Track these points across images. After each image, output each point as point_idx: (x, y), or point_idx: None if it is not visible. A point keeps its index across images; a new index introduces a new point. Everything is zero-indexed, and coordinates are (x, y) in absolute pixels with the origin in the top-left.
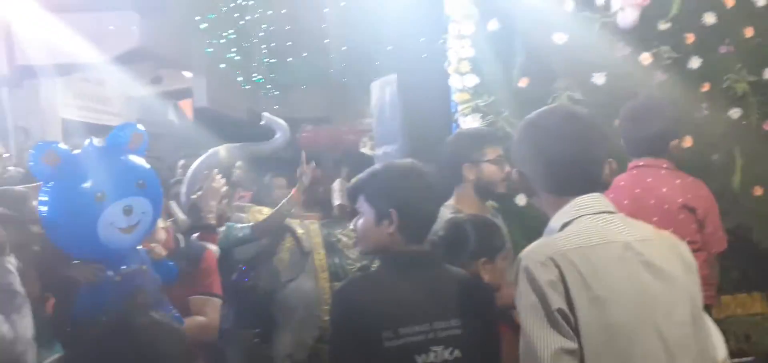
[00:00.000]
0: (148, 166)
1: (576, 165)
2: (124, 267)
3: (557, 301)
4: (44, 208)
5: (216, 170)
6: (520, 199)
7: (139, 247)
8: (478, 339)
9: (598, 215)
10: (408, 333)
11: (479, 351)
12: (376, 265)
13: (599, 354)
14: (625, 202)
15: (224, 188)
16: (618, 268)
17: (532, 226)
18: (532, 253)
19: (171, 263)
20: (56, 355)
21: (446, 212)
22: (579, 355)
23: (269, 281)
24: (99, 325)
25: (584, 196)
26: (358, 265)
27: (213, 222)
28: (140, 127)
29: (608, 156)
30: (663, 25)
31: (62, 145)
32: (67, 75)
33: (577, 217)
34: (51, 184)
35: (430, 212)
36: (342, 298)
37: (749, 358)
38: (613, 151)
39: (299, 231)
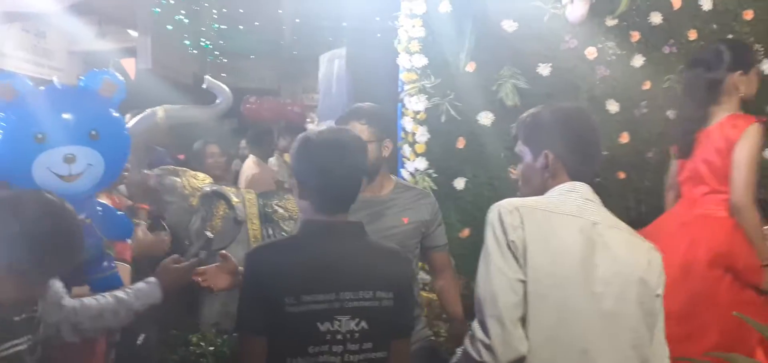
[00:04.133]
0: (116, 115)
1: (592, 159)
2: None
3: (513, 236)
4: None
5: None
6: None
7: (96, 198)
8: (389, 312)
9: (579, 197)
10: (311, 300)
11: (388, 325)
12: None
13: (542, 295)
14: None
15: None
16: (576, 236)
17: None
18: (505, 202)
19: (127, 220)
20: None
21: None
22: (524, 289)
23: (200, 247)
24: None
25: (575, 183)
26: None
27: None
28: (117, 74)
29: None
30: (610, 22)
31: (25, 80)
32: (6, 24)
33: (562, 194)
34: (1, 114)
35: (338, 182)
36: (251, 260)
37: None
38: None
39: (234, 199)
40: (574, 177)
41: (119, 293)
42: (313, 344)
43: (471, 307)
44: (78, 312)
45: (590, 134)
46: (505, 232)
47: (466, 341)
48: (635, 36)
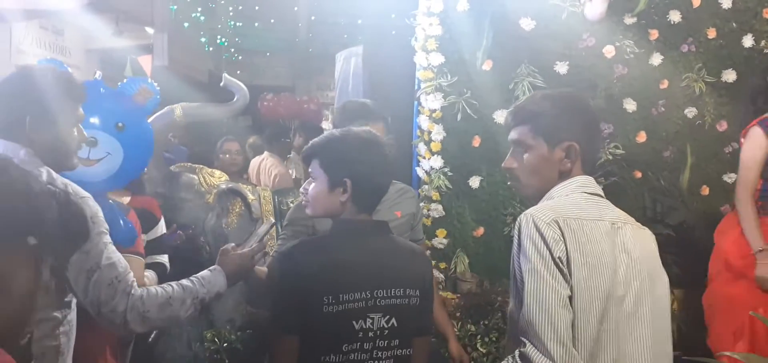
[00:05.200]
0: (147, 119)
1: (596, 151)
2: None
3: (558, 252)
4: None
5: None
6: None
7: (109, 200)
8: (415, 310)
9: (592, 195)
10: (348, 299)
11: (414, 322)
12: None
13: (584, 309)
14: None
15: None
16: (604, 242)
17: None
18: (539, 213)
19: (133, 228)
20: None
21: None
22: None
23: (216, 245)
24: None
25: (585, 177)
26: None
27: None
28: (154, 83)
29: None
30: (629, 20)
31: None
32: (24, 21)
33: (578, 192)
34: None
35: (384, 184)
36: (287, 260)
37: (676, 352)
38: None
39: (250, 197)
40: (587, 169)
41: (185, 282)
42: (347, 342)
43: (480, 307)
44: (145, 301)
45: (598, 122)
46: (549, 248)
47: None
48: (654, 34)
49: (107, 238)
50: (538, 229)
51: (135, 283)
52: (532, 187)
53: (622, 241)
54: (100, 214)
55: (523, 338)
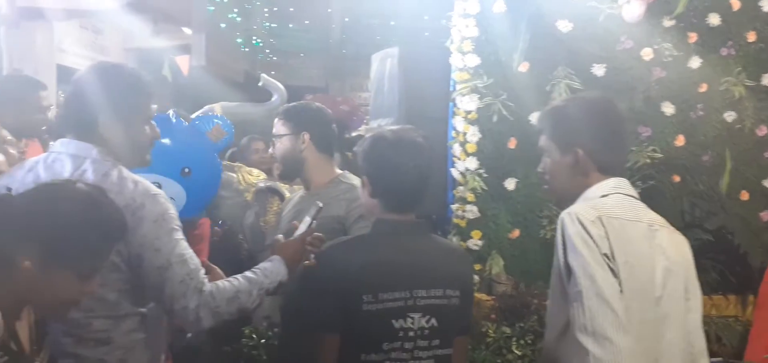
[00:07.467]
0: (216, 161)
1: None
2: None
3: (604, 248)
4: None
5: None
6: None
7: None
8: (455, 310)
9: (628, 196)
10: (387, 298)
11: (454, 322)
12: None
13: (627, 309)
14: None
15: None
16: (643, 243)
17: None
18: (583, 211)
19: None
20: None
21: None
22: None
23: (254, 242)
24: None
25: (619, 178)
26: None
27: None
28: (227, 120)
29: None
30: (668, 22)
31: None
32: (65, 20)
33: (614, 193)
34: None
35: (411, 182)
36: (326, 259)
37: (718, 359)
38: None
39: (287, 195)
40: (605, 171)
41: (249, 274)
42: (387, 341)
43: (515, 309)
44: (215, 296)
45: (619, 125)
46: (596, 245)
47: None
48: (692, 37)
49: (179, 235)
50: (583, 227)
51: (206, 279)
52: (557, 191)
53: (659, 244)
54: (172, 210)
55: (583, 337)
